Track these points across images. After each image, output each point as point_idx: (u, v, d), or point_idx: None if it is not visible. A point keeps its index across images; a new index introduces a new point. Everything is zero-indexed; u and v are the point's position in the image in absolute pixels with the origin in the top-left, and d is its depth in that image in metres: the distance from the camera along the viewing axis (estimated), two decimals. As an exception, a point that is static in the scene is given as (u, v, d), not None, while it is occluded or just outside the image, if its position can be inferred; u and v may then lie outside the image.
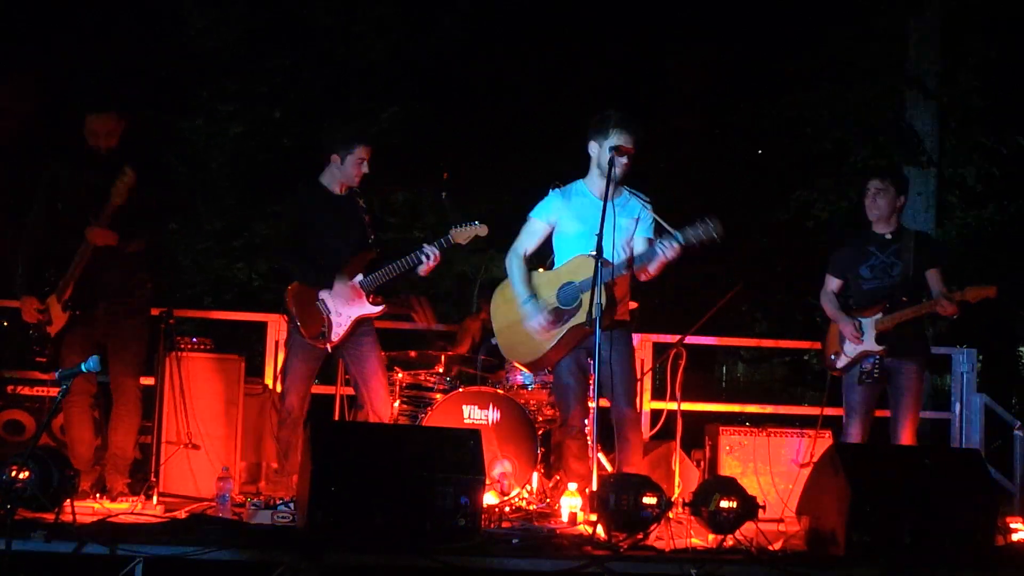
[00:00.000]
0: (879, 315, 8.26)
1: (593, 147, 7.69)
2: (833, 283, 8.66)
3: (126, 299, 8.00)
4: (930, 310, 8.20)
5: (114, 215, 7.78)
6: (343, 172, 8.21)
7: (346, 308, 8.10)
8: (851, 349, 8.39)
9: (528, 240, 7.92)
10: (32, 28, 14.91)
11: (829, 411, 9.10)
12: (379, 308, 8.17)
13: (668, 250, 7.33)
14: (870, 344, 8.29)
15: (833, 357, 8.52)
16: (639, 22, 18.67)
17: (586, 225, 7.55)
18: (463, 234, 8.11)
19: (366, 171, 8.23)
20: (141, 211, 7.88)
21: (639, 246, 7.75)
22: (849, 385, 8.50)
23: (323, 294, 8.10)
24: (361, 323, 8.17)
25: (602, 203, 7.35)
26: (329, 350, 8.10)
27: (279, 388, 9.19)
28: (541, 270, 7.97)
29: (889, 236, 8.46)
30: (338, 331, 8.09)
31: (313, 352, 8.17)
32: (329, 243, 8.16)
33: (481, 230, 8.13)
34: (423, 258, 8.03)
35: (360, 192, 8.34)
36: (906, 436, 8.27)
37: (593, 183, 7.71)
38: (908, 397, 8.32)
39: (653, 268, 7.53)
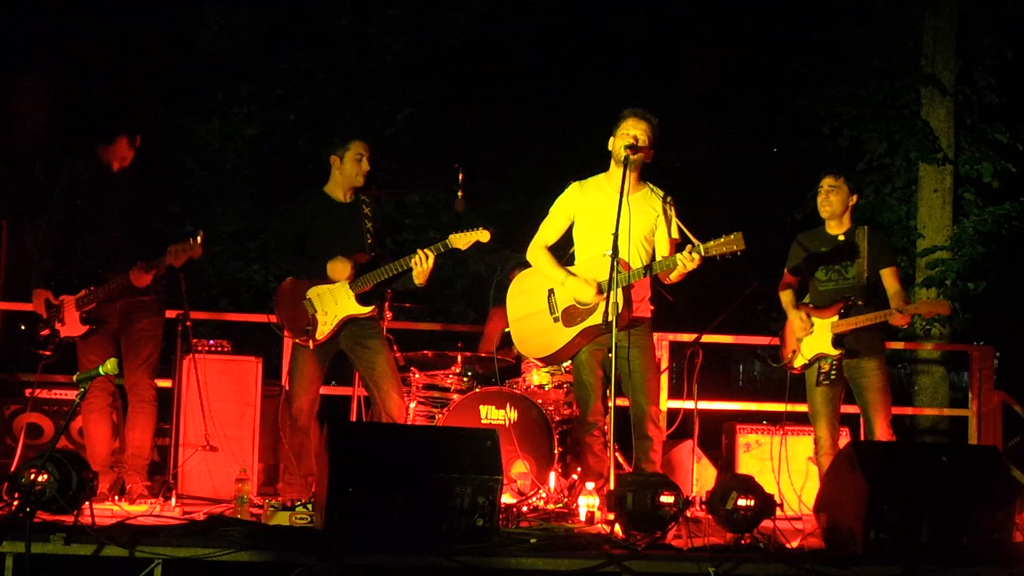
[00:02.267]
0: (835, 318, 8.23)
1: (611, 142, 7.73)
2: (791, 278, 8.63)
3: (141, 297, 8.02)
4: (884, 319, 8.14)
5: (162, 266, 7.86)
6: (344, 173, 8.23)
7: (332, 308, 8.11)
8: (807, 349, 8.37)
9: (549, 232, 7.98)
10: (50, 32, 14.94)
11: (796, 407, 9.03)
12: (368, 309, 8.15)
13: (689, 263, 7.35)
14: (826, 346, 8.26)
15: (792, 355, 8.50)
16: (654, 21, 18.68)
17: (603, 219, 7.58)
18: (463, 239, 8.06)
19: (367, 168, 8.25)
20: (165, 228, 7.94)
21: (661, 246, 7.77)
22: (810, 387, 8.46)
23: (310, 293, 8.12)
24: (352, 324, 8.19)
25: (621, 196, 7.37)
26: (311, 347, 8.09)
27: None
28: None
29: (842, 237, 8.42)
30: (323, 329, 8.08)
31: (317, 354, 8.19)
32: (324, 249, 8.16)
33: (482, 235, 8.07)
34: (413, 262, 8.01)
35: (369, 200, 8.36)
36: (880, 432, 8.20)
37: (613, 178, 7.73)
38: (873, 393, 8.25)
39: (674, 276, 7.56)
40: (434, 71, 18.25)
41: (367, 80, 18.02)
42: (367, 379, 8.23)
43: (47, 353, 8.02)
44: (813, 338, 8.31)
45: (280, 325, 8.24)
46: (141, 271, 7.81)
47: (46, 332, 7.98)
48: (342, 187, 8.28)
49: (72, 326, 7.95)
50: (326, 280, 8.09)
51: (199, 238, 7.76)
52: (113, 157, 8.02)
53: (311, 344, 8.06)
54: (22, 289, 8.92)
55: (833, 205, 8.40)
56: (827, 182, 8.43)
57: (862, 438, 8.41)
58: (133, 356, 8.10)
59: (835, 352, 8.19)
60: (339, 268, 8.06)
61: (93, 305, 7.92)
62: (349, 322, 8.14)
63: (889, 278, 8.30)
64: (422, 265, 7.95)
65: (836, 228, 8.45)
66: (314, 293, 8.13)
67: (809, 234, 8.66)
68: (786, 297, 8.59)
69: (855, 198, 8.46)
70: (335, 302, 8.11)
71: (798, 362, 8.43)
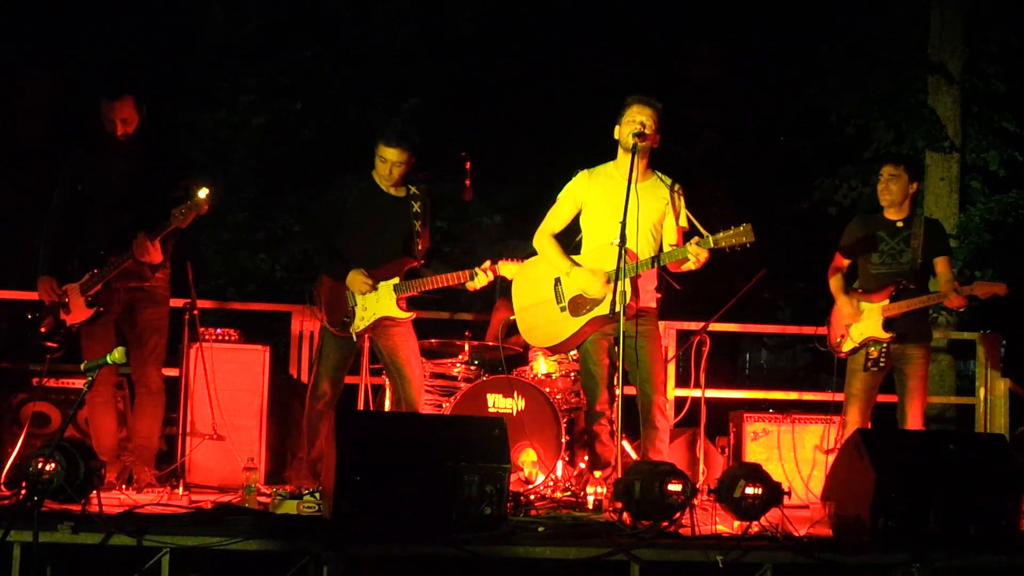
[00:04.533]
0: (885, 301, 8.25)
1: (617, 131, 7.72)
2: (842, 262, 8.66)
3: (143, 284, 8.01)
4: (937, 301, 8.20)
5: (168, 233, 7.83)
6: (376, 167, 8.22)
7: (373, 304, 8.12)
8: (857, 333, 8.38)
9: (556, 220, 7.95)
10: (55, 23, 14.95)
11: (810, 396, 9.04)
12: (407, 315, 8.17)
13: (698, 253, 7.35)
14: (876, 330, 8.27)
15: (839, 340, 8.51)
16: (661, 11, 18.65)
17: (611, 207, 7.56)
18: (510, 268, 8.13)
19: (393, 173, 8.19)
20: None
21: (669, 235, 7.76)
22: (852, 371, 8.49)
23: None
24: (387, 321, 8.19)
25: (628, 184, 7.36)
26: (354, 338, 8.11)
27: (307, 377, 9.24)
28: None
29: (900, 223, 8.46)
30: (359, 324, 8.11)
31: (347, 342, 8.19)
32: (365, 239, 8.18)
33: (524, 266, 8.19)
34: (469, 286, 8.12)
35: (420, 195, 8.34)
36: (914, 421, 8.26)
37: (621, 166, 7.71)
38: (915, 381, 8.32)
39: (685, 268, 7.56)
40: (440, 60, 18.22)
41: (373, 70, 18.00)
42: (389, 364, 8.26)
43: (53, 345, 8.02)
44: (863, 322, 8.33)
45: (322, 310, 8.22)
46: (145, 240, 7.78)
47: (50, 322, 7.98)
48: (383, 179, 8.29)
49: (78, 312, 7.95)
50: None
51: (204, 194, 7.70)
52: (117, 117, 7.92)
53: (351, 336, 8.09)
54: (29, 279, 8.90)
55: (893, 193, 8.46)
56: (887, 170, 8.51)
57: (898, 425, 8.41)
58: (139, 347, 8.10)
59: (886, 336, 8.21)
60: (358, 283, 8.08)
61: (98, 287, 7.89)
62: (385, 320, 8.16)
63: (942, 266, 8.40)
64: (477, 286, 8.04)
65: (895, 215, 8.50)
66: None
67: (866, 218, 8.75)
68: (835, 282, 8.62)
69: (915, 186, 8.54)
70: (376, 299, 8.13)
71: (847, 346, 8.45)
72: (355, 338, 8.16)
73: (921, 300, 8.20)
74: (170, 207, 7.78)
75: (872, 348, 8.29)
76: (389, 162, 8.14)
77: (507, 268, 8.12)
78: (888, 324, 8.24)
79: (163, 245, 7.89)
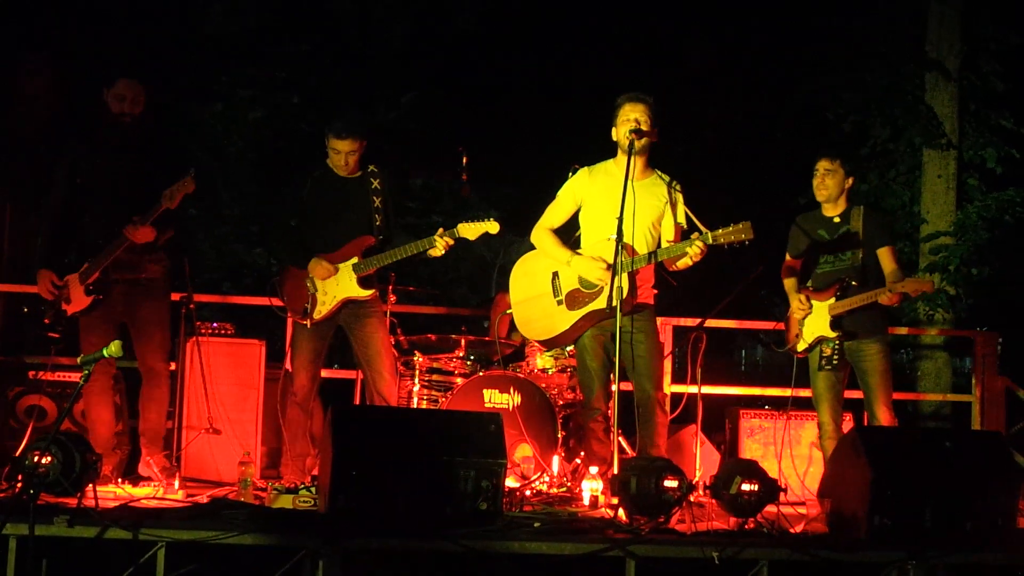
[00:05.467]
0: (832, 300, 8.24)
1: (614, 132, 7.73)
2: (793, 263, 8.64)
3: (138, 275, 8.01)
4: (875, 298, 8.15)
5: (159, 215, 7.83)
6: (331, 160, 8.23)
7: (333, 288, 8.13)
8: (808, 333, 8.37)
9: (555, 216, 7.96)
10: (53, 15, 14.92)
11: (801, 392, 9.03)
12: (368, 292, 8.18)
13: (696, 252, 7.36)
14: (824, 329, 8.27)
15: (795, 339, 8.51)
16: (659, 8, 18.65)
17: (610, 204, 7.55)
18: (472, 229, 8.09)
19: (349, 162, 8.22)
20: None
21: (667, 233, 7.77)
22: (812, 371, 8.48)
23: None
24: (351, 304, 8.19)
25: (625, 183, 7.36)
26: (309, 326, 8.10)
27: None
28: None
29: (837, 218, 8.43)
30: (321, 309, 8.11)
31: (316, 331, 8.19)
32: (325, 225, 8.20)
33: (492, 226, 8.08)
34: (430, 253, 8.07)
35: (378, 173, 8.33)
36: (882, 416, 8.22)
37: (621, 164, 7.70)
38: (875, 377, 8.27)
39: (681, 264, 7.57)
40: (438, 55, 18.23)
41: (371, 64, 18.00)
42: (360, 357, 8.28)
43: (55, 336, 8.02)
44: (813, 321, 8.32)
45: (282, 306, 8.26)
46: (137, 225, 7.79)
47: (51, 314, 7.98)
48: (338, 167, 8.30)
49: (77, 301, 7.93)
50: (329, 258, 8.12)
51: (191, 175, 7.74)
52: (126, 95, 7.92)
53: (308, 323, 8.07)
54: (26, 272, 8.91)
55: (829, 188, 8.41)
56: (823, 165, 8.43)
57: (865, 423, 8.41)
58: (146, 341, 8.11)
59: (833, 334, 8.19)
60: (319, 269, 8.09)
61: (96, 275, 7.88)
62: (348, 303, 8.15)
63: (886, 258, 8.29)
64: (437, 253, 8.00)
65: (832, 210, 8.45)
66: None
67: (806, 216, 8.67)
68: (789, 282, 8.60)
69: (851, 180, 8.47)
70: (336, 283, 8.14)
71: (801, 346, 8.43)
72: (318, 324, 8.15)
73: (861, 298, 8.13)
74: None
75: (824, 346, 8.29)
76: (343, 153, 8.17)
77: (467, 230, 8.08)
78: (835, 322, 8.22)
79: (157, 228, 7.88)
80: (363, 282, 8.15)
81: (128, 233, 7.78)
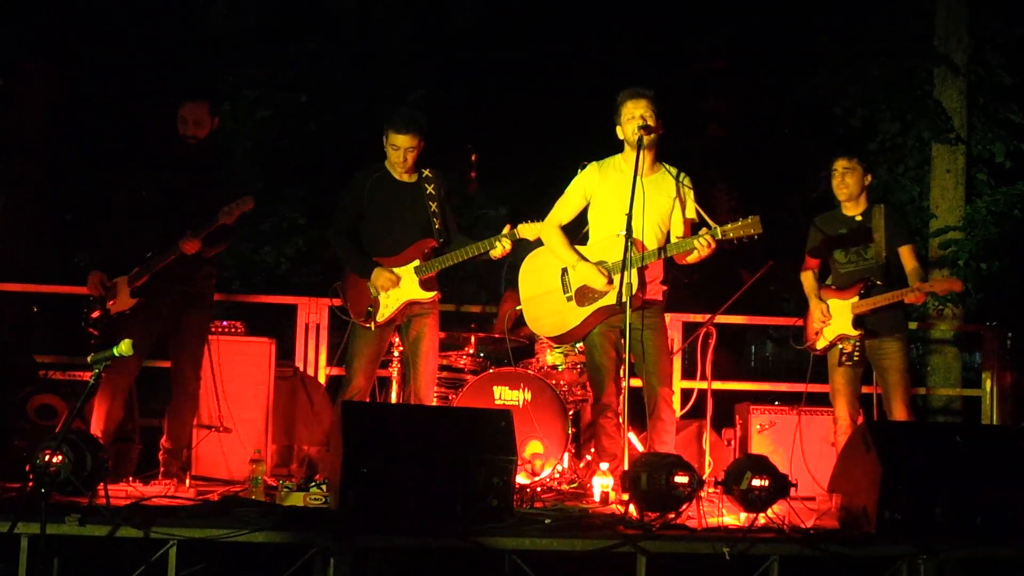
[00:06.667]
0: (855, 299, 8.24)
1: (619, 131, 7.72)
2: (812, 262, 8.65)
3: (189, 289, 8.06)
4: (901, 298, 8.17)
5: (214, 229, 7.89)
6: (388, 156, 8.22)
7: (395, 291, 8.10)
8: (829, 331, 8.38)
9: (564, 212, 7.95)
10: (55, 15, 14.92)
11: (815, 388, 9.02)
12: (430, 295, 8.17)
13: (705, 249, 7.36)
14: (846, 327, 8.28)
15: (814, 336, 8.51)
16: (665, 2, 18.64)
17: (619, 200, 7.55)
18: (532, 229, 8.08)
19: (406, 160, 8.18)
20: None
21: (676, 228, 7.76)
22: (831, 367, 8.50)
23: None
24: (414, 305, 8.19)
25: (634, 179, 7.36)
26: (373, 329, 8.10)
27: (312, 369, 9.26)
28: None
29: (859, 217, 8.44)
30: (384, 312, 8.09)
31: (378, 334, 8.19)
32: (384, 229, 8.19)
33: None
34: (492, 255, 8.10)
35: (433, 177, 8.32)
36: (899, 412, 8.24)
37: (629, 159, 7.68)
38: (895, 375, 8.30)
39: (691, 259, 7.57)
40: (442, 53, 18.22)
41: (377, 63, 17.99)
42: (409, 354, 8.24)
43: (95, 332, 8.06)
44: (834, 319, 8.33)
45: (344, 308, 8.24)
46: (190, 238, 7.85)
47: (97, 312, 8.04)
48: (394, 166, 8.29)
49: (122, 301, 8.00)
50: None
51: (252, 196, 7.93)
52: (191, 117, 8.08)
53: (372, 326, 8.08)
54: (36, 272, 8.94)
55: (849, 187, 8.43)
56: (841, 164, 8.45)
57: (875, 418, 8.41)
58: (181, 349, 8.18)
59: (855, 333, 8.22)
60: (382, 280, 8.07)
61: (145, 278, 7.95)
62: (410, 304, 8.15)
63: (907, 256, 8.32)
64: (498, 254, 8.02)
65: (853, 209, 8.47)
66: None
67: (826, 216, 8.68)
68: (807, 281, 8.61)
69: (869, 178, 8.49)
70: (396, 286, 8.11)
71: (820, 344, 8.46)
72: (381, 327, 8.14)
73: (886, 297, 8.18)
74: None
75: (845, 343, 8.30)
76: (401, 149, 8.13)
77: (527, 230, 8.07)
78: (858, 321, 8.24)
79: (208, 242, 7.93)
80: (425, 284, 8.15)
81: (182, 246, 7.84)
